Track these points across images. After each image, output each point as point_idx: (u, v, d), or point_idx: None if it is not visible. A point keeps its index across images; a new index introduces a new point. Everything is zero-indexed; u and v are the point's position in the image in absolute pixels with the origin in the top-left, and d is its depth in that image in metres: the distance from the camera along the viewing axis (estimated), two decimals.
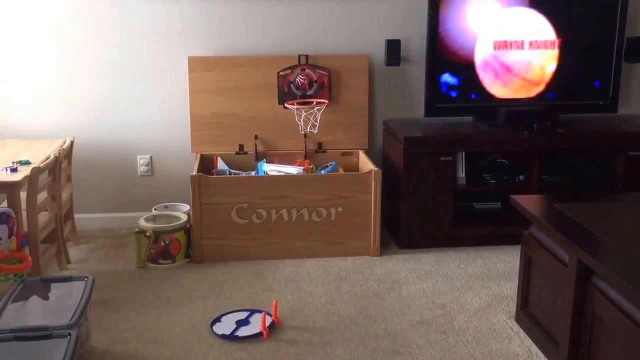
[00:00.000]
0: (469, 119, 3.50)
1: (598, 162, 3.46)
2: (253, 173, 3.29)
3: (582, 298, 2.06)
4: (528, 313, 2.48)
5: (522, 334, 2.48)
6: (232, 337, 2.44)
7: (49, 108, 3.39)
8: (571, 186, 3.30)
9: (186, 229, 3.12)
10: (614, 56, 3.43)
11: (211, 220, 3.05)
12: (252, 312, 2.62)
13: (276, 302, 2.59)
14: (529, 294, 2.48)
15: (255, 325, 2.51)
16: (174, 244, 3.07)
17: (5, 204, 2.66)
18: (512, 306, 2.66)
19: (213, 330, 2.48)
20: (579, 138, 3.30)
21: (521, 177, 3.34)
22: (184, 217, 3.15)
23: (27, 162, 2.78)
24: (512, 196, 2.49)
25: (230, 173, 3.29)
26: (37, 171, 2.67)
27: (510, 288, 2.84)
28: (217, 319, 2.57)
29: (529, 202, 2.42)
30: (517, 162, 3.43)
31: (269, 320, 2.52)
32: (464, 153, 3.29)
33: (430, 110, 3.39)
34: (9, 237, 2.53)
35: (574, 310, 2.08)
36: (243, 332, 2.47)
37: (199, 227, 3.05)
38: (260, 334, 2.45)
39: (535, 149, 3.28)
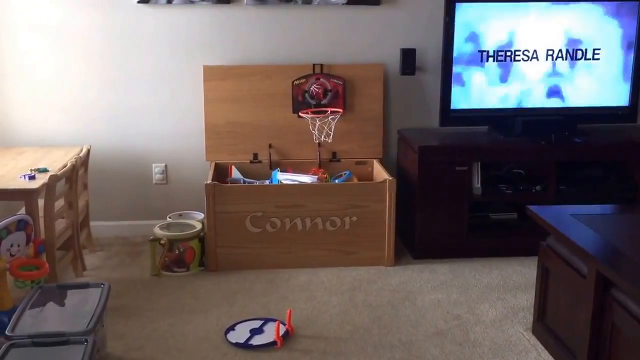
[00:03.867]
0: (485, 128, 3.48)
1: (616, 173, 3.41)
2: (267, 182, 3.29)
3: (601, 310, 2.03)
4: (545, 325, 2.45)
5: (539, 346, 2.45)
6: (246, 346, 2.43)
7: (65, 116, 3.42)
8: (589, 197, 3.25)
9: (200, 238, 3.12)
10: (633, 64, 3.39)
11: (225, 228, 3.05)
12: (266, 321, 2.61)
13: (290, 311, 2.59)
14: (546, 305, 2.45)
15: (269, 334, 2.50)
16: (189, 252, 3.08)
17: (23, 211, 2.69)
18: (529, 318, 2.63)
19: (227, 339, 2.48)
20: (597, 148, 3.27)
21: (538, 188, 3.30)
22: (199, 226, 3.16)
23: (45, 170, 2.81)
24: (529, 207, 2.47)
25: (244, 182, 3.30)
26: (54, 179, 2.69)
27: (526, 299, 2.81)
28: (231, 328, 2.56)
29: (546, 213, 2.40)
30: (533, 173, 3.40)
31: (283, 329, 2.51)
32: (479, 163, 3.27)
33: (445, 119, 3.38)
34: (27, 243, 2.55)
35: (592, 322, 2.05)
36: (257, 340, 2.46)
37: (213, 236, 3.06)
38: (274, 343, 2.44)
39: (552, 159, 3.25)
